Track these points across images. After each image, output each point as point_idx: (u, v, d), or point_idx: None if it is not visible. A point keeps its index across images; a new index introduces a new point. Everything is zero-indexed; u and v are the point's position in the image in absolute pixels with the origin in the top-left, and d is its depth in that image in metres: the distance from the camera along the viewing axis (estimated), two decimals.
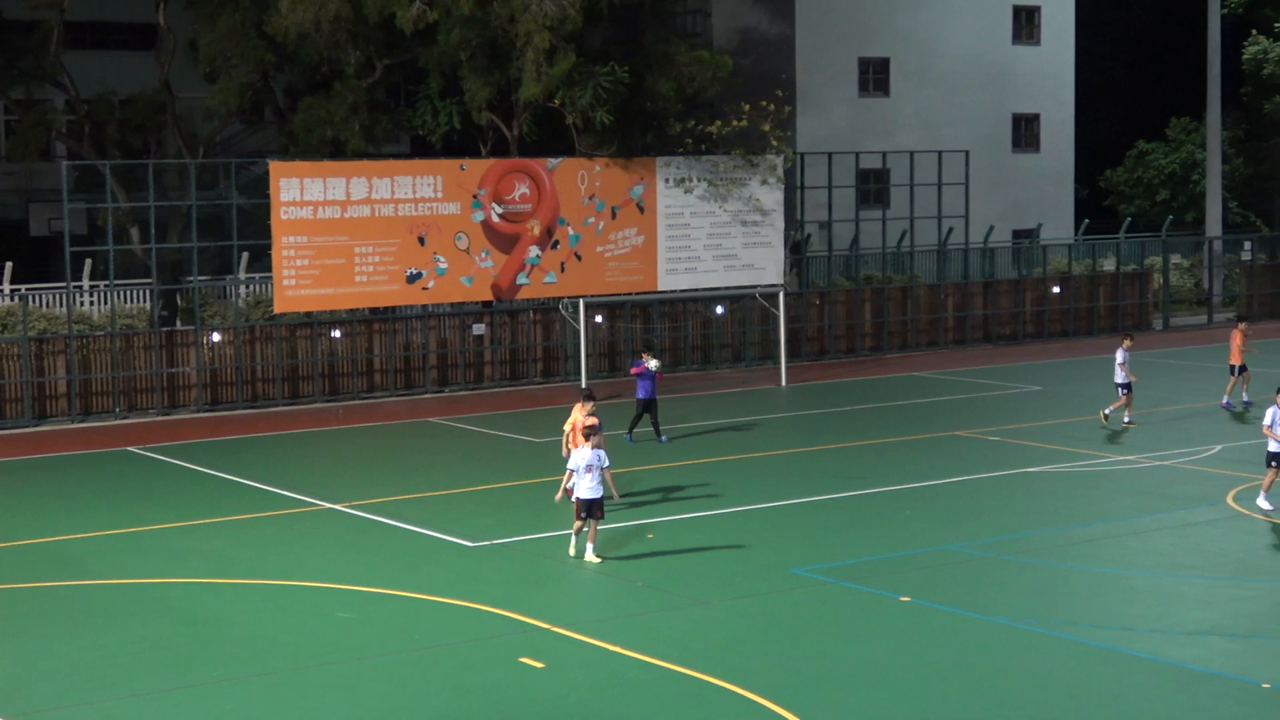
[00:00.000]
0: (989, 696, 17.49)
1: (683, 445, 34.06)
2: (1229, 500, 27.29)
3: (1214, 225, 62.35)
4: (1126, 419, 35.22)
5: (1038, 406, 38.84)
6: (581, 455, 23.34)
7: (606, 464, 23.56)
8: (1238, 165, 69.54)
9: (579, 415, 25.98)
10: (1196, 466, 30.52)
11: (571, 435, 25.98)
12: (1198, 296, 61.75)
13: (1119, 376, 35.39)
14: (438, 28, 42.77)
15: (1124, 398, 35.34)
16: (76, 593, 22.57)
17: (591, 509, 23.29)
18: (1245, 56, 68.60)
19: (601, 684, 18.08)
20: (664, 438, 34.31)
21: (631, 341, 45.99)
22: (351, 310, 42.34)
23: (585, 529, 23.48)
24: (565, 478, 24.08)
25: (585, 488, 23.25)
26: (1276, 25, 67.44)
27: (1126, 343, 36.01)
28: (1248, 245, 60.45)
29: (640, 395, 33.97)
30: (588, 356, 42.51)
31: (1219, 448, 32.42)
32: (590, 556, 23.23)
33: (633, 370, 34.22)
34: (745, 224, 47.18)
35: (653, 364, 33.90)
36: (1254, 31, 69.45)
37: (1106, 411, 35.48)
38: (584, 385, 26.01)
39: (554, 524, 25.47)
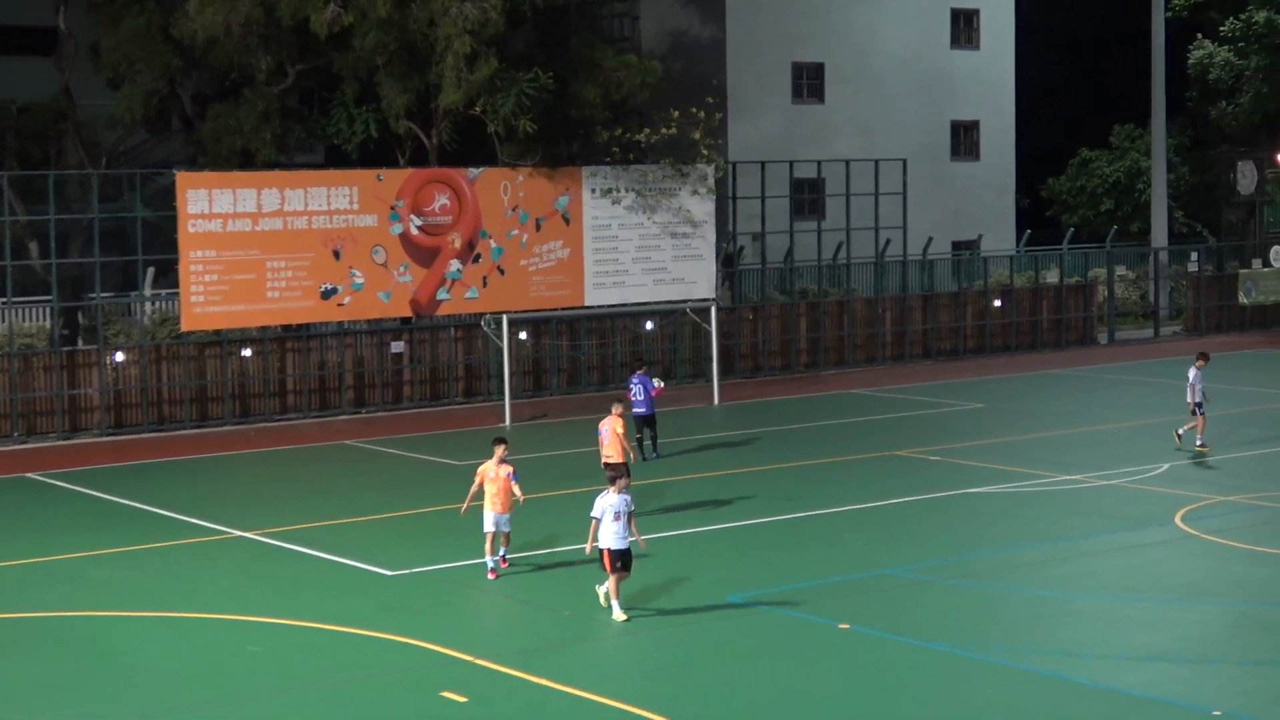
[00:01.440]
0: None
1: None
2: (1177, 520, 27.52)
3: (1160, 235, 62.95)
4: (1199, 443, 34.26)
5: (979, 425, 39.06)
6: (607, 501, 21.78)
7: (633, 509, 22.11)
8: (1183, 173, 70.25)
9: (491, 465, 24.20)
10: (1143, 485, 30.77)
11: (487, 486, 24.25)
12: (1144, 309, 62.34)
13: (1193, 397, 34.34)
14: (353, 31, 42.66)
15: (1199, 419, 34.29)
16: None
17: (625, 561, 21.73)
18: (1190, 61, 69.33)
19: (527, 718, 18.02)
20: (656, 454, 35.09)
21: (557, 359, 45.97)
22: (263, 328, 42.12)
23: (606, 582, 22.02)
24: (591, 529, 22.06)
25: (612, 536, 21.68)
26: (1222, 29, 68.23)
27: (1200, 362, 34.57)
28: (1194, 256, 61.04)
29: (641, 411, 34.69)
30: (511, 375, 42.46)
31: (1166, 466, 32.70)
32: (619, 614, 21.57)
33: (653, 393, 34.88)
34: (675, 236, 47.27)
35: (658, 382, 35.51)
36: (1199, 35, 70.17)
37: (1180, 431, 34.82)
38: (501, 430, 25.15)
39: (476, 551, 25.38)
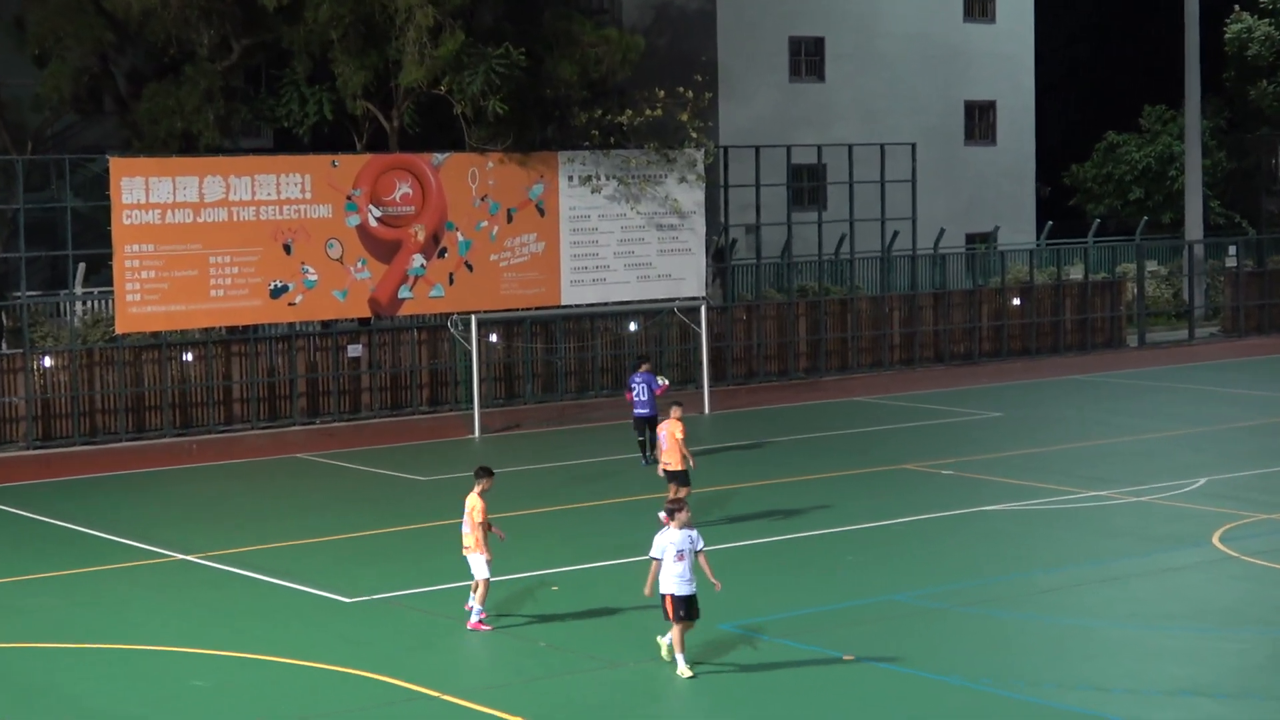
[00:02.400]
0: None
1: (588, 483, 34.06)
2: (1215, 541, 27.58)
3: (1194, 227, 63.06)
4: None
5: (996, 435, 39.13)
6: (667, 539, 20.69)
7: (700, 546, 20.92)
8: (1220, 159, 70.39)
9: (475, 499, 23.03)
10: (1178, 502, 30.84)
11: (472, 525, 22.97)
12: (1177, 309, 62.47)
13: None
14: (304, 3, 42.65)
15: None
16: None
17: (690, 609, 20.65)
18: (1227, 36, 69.53)
19: None
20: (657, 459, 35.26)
21: (531, 364, 45.99)
22: (206, 330, 42.08)
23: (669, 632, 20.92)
24: (650, 572, 20.91)
25: (675, 579, 20.59)
26: (1262, 1, 68.36)
27: None
28: (1232, 250, 61.16)
29: (643, 412, 35.43)
30: (481, 382, 42.46)
31: (1203, 481, 32.77)
32: (684, 670, 20.44)
33: (658, 392, 35.50)
34: (661, 228, 47.30)
35: (661, 379, 36.18)
36: (1236, 8, 70.35)
37: None
38: (482, 467, 23.49)
39: (442, 577, 25.38)
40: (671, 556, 20.61)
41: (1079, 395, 45.81)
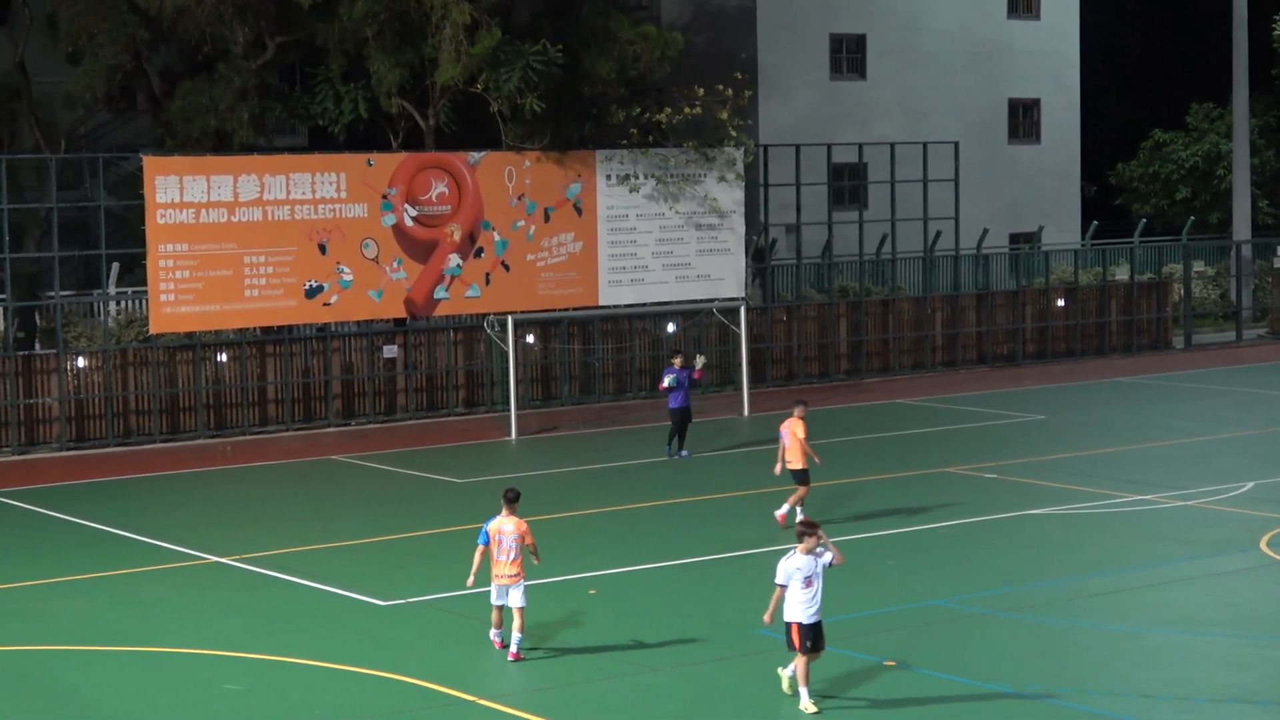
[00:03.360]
0: None
1: (626, 485, 34.06)
2: (1263, 546, 27.47)
3: (1242, 227, 62.83)
4: None
5: (1040, 439, 39.02)
6: (793, 564, 19.62)
7: (829, 559, 19.89)
8: (1268, 157, 70.15)
9: (519, 523, 21.82)
10: (1224, 507, 30.71)
11: (518, 552, 21.72)
12: (1224, 310, 62.22)
13: None
14: (339, 0, 42.72)
15: None
16: None
17: (817, 639, 19.70)
18: (1276, 33, 69.23)
19: None
20: (685, 452, 36.89)
21: (568, 365, 45.99)
22: (240, 330, 42.19)
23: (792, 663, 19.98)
24: (773, 598, 19.83)
25: (801, 607, 19.57)
26: None
27: None
28: None
29: (674, 405, 36.65)
30: (517, 383, 42.47)
31: (1250, 485, 32.64)
32: (807, 705, 19.51)
33: (695, 375, 37.21)
34: (700, 228, 47.29)
35: (699, 360, 37.66)
36: None
37: None
38: (511, 489, 22.22)
39: (478, 580, 25.38)
40: (799, 583, 19.55)
41: (1124, 398, 45.65)
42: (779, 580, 19.70)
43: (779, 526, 28.90)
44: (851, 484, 33.62)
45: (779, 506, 29.40)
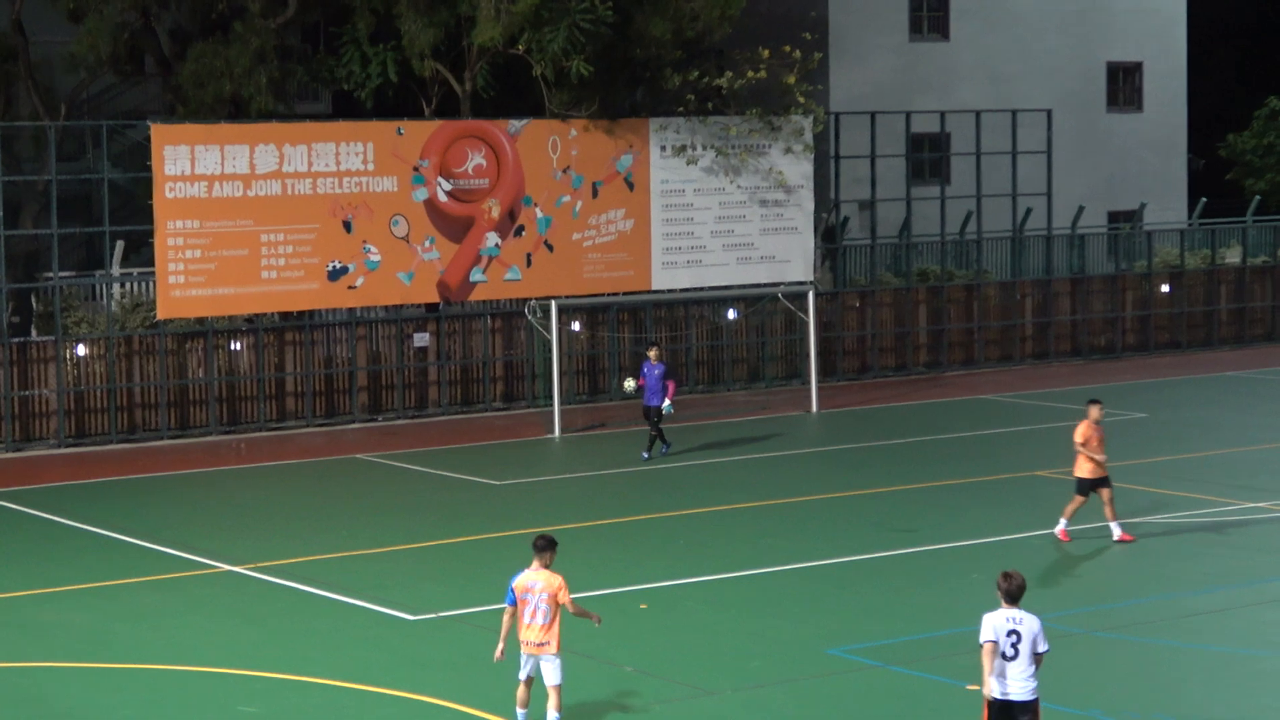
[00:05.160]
0: None
1: (684, 489, 34.07)
2: None
3: None
4: None
5: (1140, 439, 38.91)
6: (999, 622, 17.01)
7: (1044, 647, 17.08)
8: None
9: (552, 577, 19.29)
10: None
11: (552, 616, 19.21)
12: None
13: None
14: None
15: None
16: None
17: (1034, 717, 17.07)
18: None
19: None
20: (647, 454, 37.06)
21: (618, 355, 46.03)
22: (256, 316, 42.33)
23: None
24: (985, 659, 16.86)
25: (1015, 679, 16.82)
26: None
27: None
28: None
29: (651, 402, 36.88)
30: (561, 375, 42.52)
31: None
32: None
33: (669, 395, 36.84)
34: (764, 204, 47.27)
35: (629, 384, 37.54)
36: None
37: None
38: (542, 536, 19.64)
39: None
40: (1007, 646, 16.87)
41: (1234, 394, 45.48)
42: (984, 638, 17.00)
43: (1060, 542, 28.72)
44: (931, 489, 33.57)
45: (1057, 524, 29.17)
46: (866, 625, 24.14)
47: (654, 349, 37.76)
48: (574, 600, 19.27)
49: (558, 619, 19.13)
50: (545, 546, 19.37)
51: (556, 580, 19.15)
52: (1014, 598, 17.08)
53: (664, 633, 23.81)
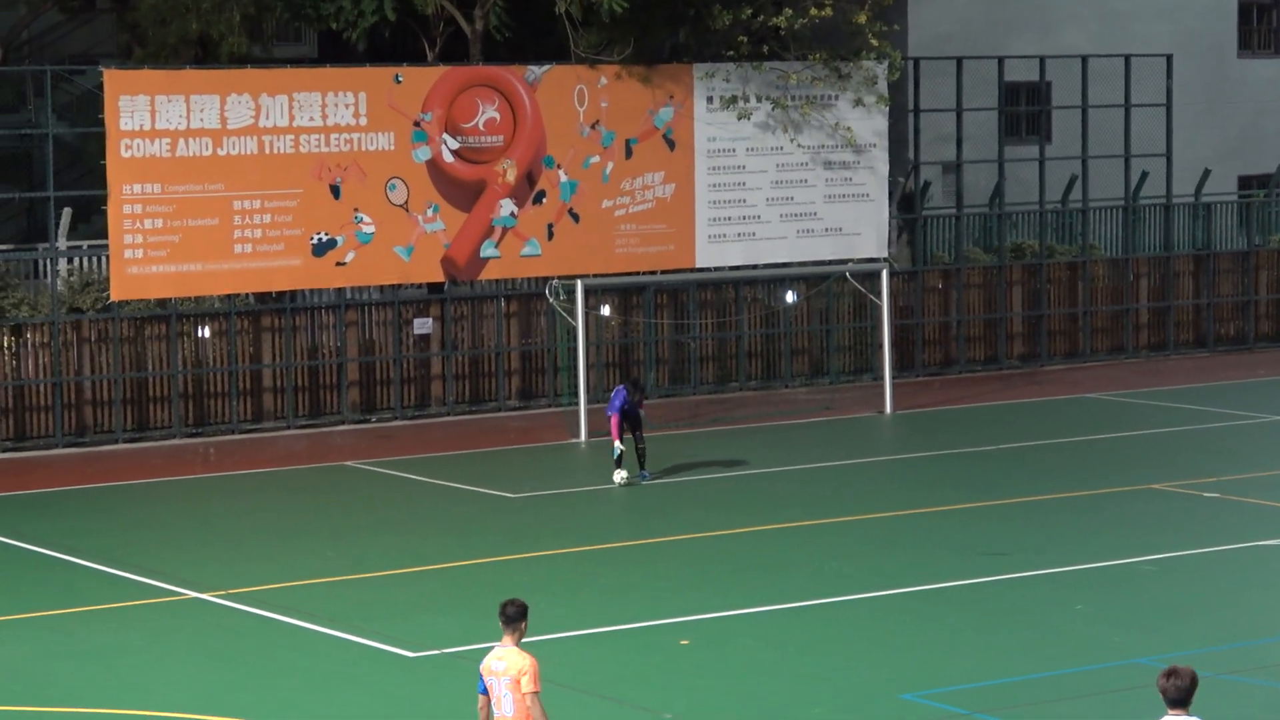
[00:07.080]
0: None
1: (733, 504, 34.11)
2: None
3: None
4: None
5: (1277, 446, 38.84)
6: None
7: None
8: None
9: (520, 657, 17.48)
10: None
11: (519, 707, 17.26)
12: None
13: None
14: None
15: None
16: None
17: None
18: None
19: None
20: (645, 473, 36.58)
21: (655, 345, 46.03)
22: (228, 298, 42.43)
23: None
24: None
25: None
26: None
27: None
28: None
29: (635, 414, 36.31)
30: (588, 368, 42.53)
31: None
32: None
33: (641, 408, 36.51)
34: (830, 166, 47.25)
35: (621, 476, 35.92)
36: None
37: None
38: (511, 602, 17.85)
39: (536, 626, 25.47)
40: None
41: None
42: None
43: None
44: (1026, 505, 33.58)
45: None
46: (949, 666, 24.15)
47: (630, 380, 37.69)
48: (537, 695, 17.21)
49: (535, 710, 17.23)
50: (516, 616, 17.72)
51: (523, 662, 17.37)
52: (1180, 702, 15.33)
53: (709, 674, 23.85)
